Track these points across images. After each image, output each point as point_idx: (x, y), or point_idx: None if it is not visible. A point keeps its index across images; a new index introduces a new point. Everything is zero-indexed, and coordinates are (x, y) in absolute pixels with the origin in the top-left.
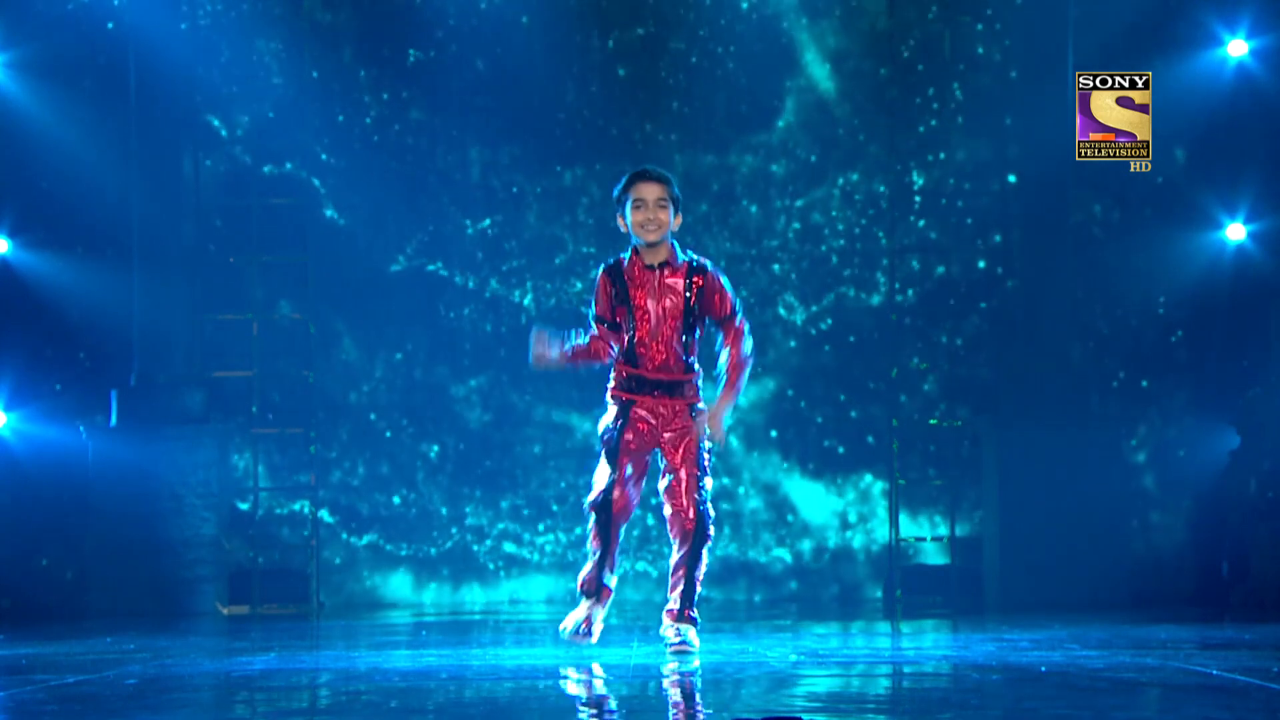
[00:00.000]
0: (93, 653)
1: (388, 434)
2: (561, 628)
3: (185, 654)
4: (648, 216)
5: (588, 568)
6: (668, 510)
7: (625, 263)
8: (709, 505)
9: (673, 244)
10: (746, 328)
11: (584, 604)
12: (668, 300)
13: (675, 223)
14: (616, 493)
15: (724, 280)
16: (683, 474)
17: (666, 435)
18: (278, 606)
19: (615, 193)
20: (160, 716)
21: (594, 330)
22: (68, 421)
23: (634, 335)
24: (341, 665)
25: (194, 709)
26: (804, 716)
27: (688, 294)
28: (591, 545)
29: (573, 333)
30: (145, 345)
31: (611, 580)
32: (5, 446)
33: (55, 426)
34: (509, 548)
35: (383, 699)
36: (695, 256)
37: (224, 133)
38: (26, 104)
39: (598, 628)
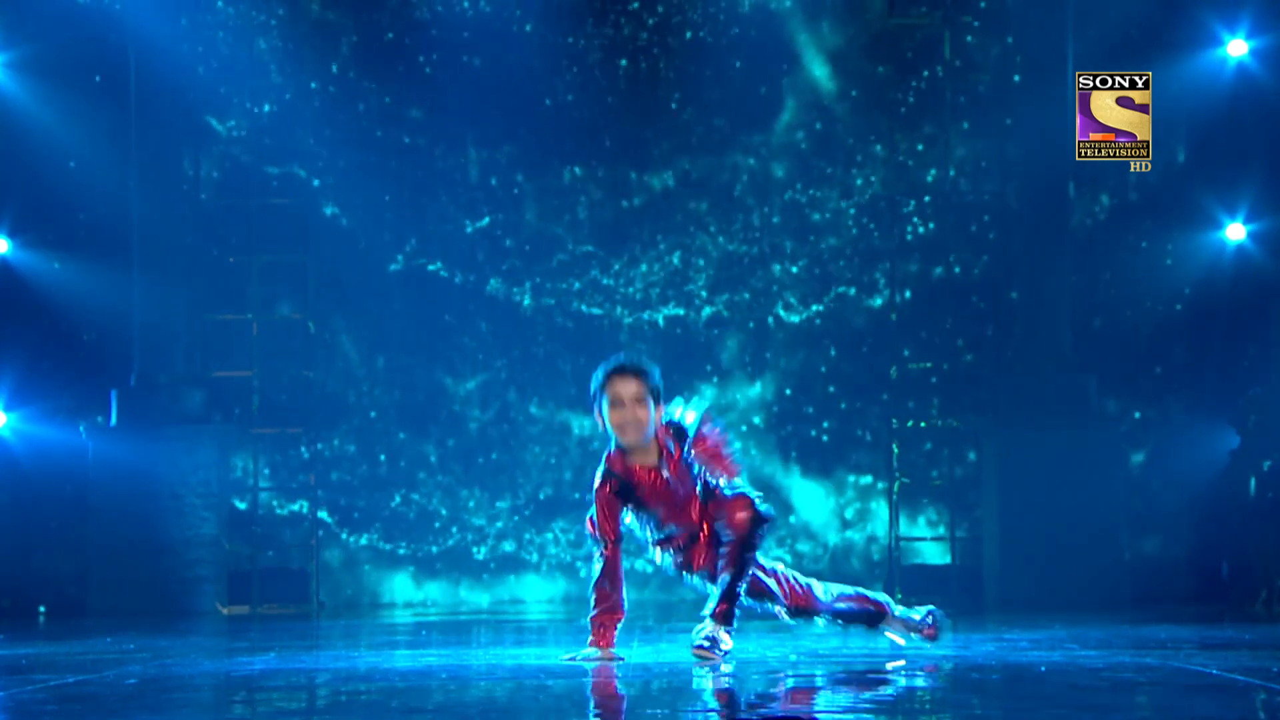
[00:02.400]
0: (93, 653)
1: (387, 434)
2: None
3: (185, 654)
4: (625, 418)
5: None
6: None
7: (622, 469)
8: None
9: (656, 433)
10: (756, 500)
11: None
12: (679, 489)
13: (658, 414)
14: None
15: (720, 430)
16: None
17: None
18: (278, 606)
19: (592, 388)
20: (160, 716)
21: (602, 549)
22: (68, 421)
23: (656, 529)
24: (341, 665)
25: (194, 709)
26: (804, 717)
27: (695, 474)
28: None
29: (590, 596)
30: (145, 345)
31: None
32: (5, 446)
33: (55, 426)
34: (508, 547)
35: (383, 699)
36: (680, 423)
37: (224, 133)
38: (26, 104)
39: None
